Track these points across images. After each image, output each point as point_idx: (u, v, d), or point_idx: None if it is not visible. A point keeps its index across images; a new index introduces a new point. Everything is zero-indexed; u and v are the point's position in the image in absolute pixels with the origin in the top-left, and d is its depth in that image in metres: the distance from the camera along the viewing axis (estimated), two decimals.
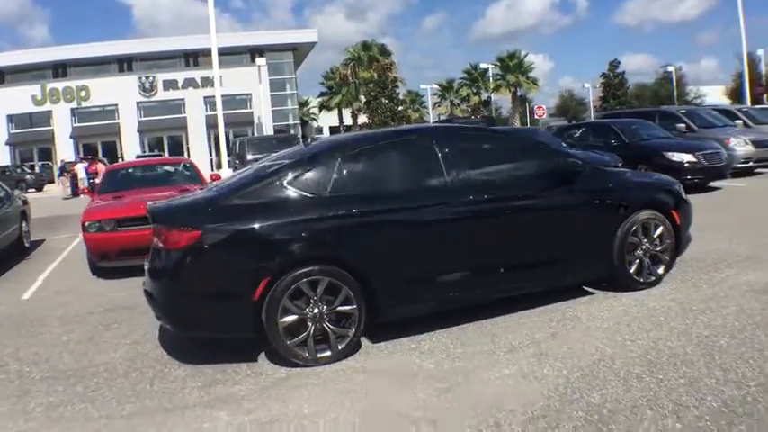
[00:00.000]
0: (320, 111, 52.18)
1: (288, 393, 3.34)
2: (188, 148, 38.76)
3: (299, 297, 3.67)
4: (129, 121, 38.69)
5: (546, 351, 3.72)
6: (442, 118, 39.87)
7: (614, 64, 43.92)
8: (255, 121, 36.36)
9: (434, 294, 4.09)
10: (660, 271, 4.87)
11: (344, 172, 3.97)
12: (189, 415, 3.18)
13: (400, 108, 40.33)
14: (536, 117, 42.68)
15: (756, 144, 11.83)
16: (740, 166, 11.75)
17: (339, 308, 3.74)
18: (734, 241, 6.23)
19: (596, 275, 4.71)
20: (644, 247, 4.75)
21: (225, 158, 20.02)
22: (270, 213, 3.74)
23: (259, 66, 32.00)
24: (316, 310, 3.70)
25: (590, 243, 4.60)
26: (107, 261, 7.00)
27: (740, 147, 10.76)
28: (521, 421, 2.85)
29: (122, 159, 33.97)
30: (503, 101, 53.59)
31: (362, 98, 45.77)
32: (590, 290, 4.82)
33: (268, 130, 36.15)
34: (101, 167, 20.80)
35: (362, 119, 46.22)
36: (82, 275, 7.20)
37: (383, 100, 39.27)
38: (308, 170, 3.97)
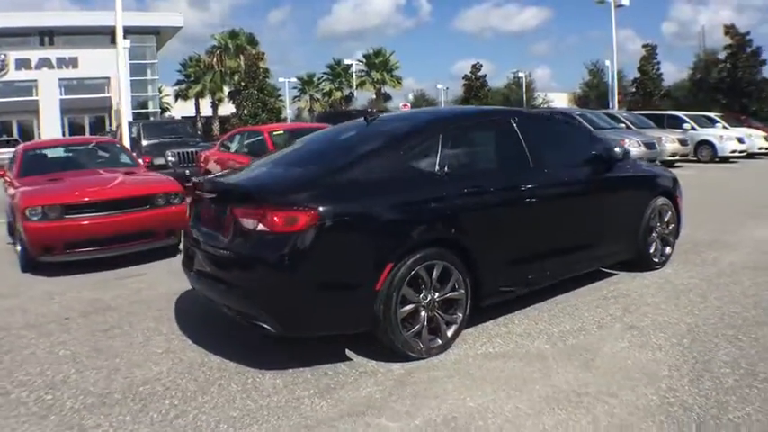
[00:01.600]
0: (176, 100, 48.85)
1: (428, 389, 3.12)
2: (39, 134, 34.19)
3: (414, 284, 3.49)
4: None
5: (633, 324, 3.97)
6: (330, 110, 39.77)
7: (477, 67, 47.04)
8: (114, 106, 33.06)
9: (520, 277, 4.13)
10: (668, 251, 5.44)
11: (449, 149, 3.83)
12: (345, 429, 2.76)
13: (272, 99, 39.18)
14: None
15: (647, 145, 13.57)
16: None
17: (449, 294, 3.62)
18: (690, 229, 7.07)
19: (629, 256, 5.10)
20: (658, 230, 5.27)
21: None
22: (390, 191, 3.48)
23: (122, 48, 29.04)
24: (429, 298, 3.54)
25: (628, 225, 4.99)
26: (50, 255, 5.90)
27: (634, 148, 12.26)
28: (687, 381, 3.08)
29: None
30: (364, 97, 54.88)
31: (226, 88, 43.81)
32: (610, 271, 5.21)
33: (127, 117, 33.11)
34: None
35: (225, 109, 44.33)
36: (13, 274, 6.02)
37: (254, 91, 37.83)
38: (417, 146, 3.77)
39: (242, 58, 41.74)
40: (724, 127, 18.87)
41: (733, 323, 3.91)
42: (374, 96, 53.51)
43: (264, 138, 8.92)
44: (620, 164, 4.99)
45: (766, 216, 8.07)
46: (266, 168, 4.09)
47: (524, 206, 4.08)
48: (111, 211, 6.00)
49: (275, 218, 3.20)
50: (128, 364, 3.58)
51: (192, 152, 11.67)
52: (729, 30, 35.57)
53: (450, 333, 3.63)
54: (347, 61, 51.24)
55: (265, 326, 3.24)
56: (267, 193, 3.42)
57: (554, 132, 4.73)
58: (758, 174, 15.02)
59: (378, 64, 51.88)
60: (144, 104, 38.96)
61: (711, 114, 21.18)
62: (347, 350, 3.63)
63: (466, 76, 47.71)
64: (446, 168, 3.76)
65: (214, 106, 46.62)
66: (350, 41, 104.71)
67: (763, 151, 19.12)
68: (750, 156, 18.45)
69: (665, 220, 5.34)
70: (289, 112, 49.35)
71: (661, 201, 5.26)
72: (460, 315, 3.68)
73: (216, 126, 43.22)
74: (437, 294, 3.57)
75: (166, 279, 5.51)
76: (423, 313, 3.52)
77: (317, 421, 2.82)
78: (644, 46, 39.96)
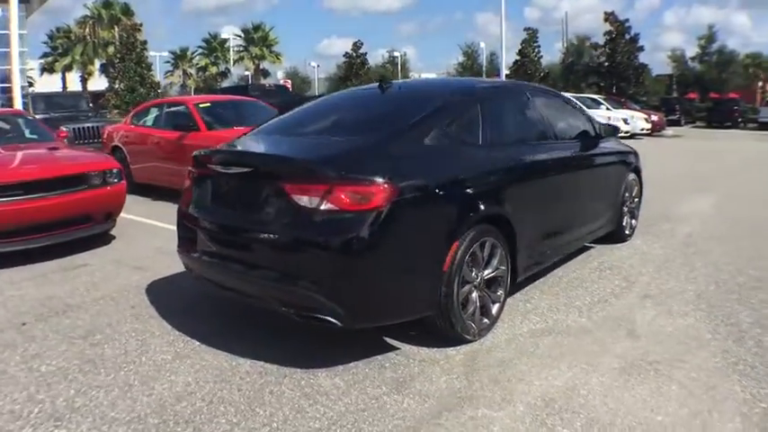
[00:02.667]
0: (41, 74, 43.55)
1: (504, 373, 2.93)
2: None
3: (470, 263, 3.28)
4: None
5: (645, 294, 4.13)
6: (241, 83, 37.65)
7: (357, 45, 46.77)
8: None
9: (543, 252, 4.08)
10: (634, 224, 5.75)
11: (488, 120, 3.64)
12: (453, 426, 2.49)
13: (151, 73, 36.25)
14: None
15: (624, 122, 14.50)
16: None
17: (495, 272, 3.47)
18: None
19: (611, 228, 5.29)
20: (628, 203, 5.54)
21: None
22: (450, 163, 3.25)
23: None
24: (479, 277, 3.36)
25: (613, 199, 5.17)
26: None
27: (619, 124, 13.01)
28: (732, 342, 3.26)
29: None
30: (239, 73, 52.77)
31: (98, 61, 39.76)
32: (586, 245, 5.39)
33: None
34: None
35: (96, 84, 40.29)
36: None
37: (131, 64, 34.72)
38: (461, 116, 3.55)
39: (116, 29, 38.03)
40: (608, 108, 20.56)
41: (731, 289, 4.21)
42: (248, 72, 51.59)
43: (190, 110, 8.08)
44: (603, 140, 5.15)
45: (699, 188, 8.90)
46: (298, 137, 3.62)
47: (551, 178, 4.05)
48: (43, 192, 5.07)
49: (346, 194, 2.78)
50: (139, 377, 2.95)
51: (93, 127, 10.34)
52: (609, 17, 38.13)
53: (495, 312, 3.50)
54: (224, 35, 49.08)
55: (330, 319, 2.83)
56: (334, 166, 2.89)
57: (559, 107, 4.73)
58: (663, 151, 16.35)
59: (257, 39, 50.01)
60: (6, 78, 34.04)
61: (596, 96, 22.98)
62: (385, 337, 3.36)
63: (347, 53, 47.37)
64: (488, 139, 3.60)
65: (83, 80, 42.33)
66: (219, 16, 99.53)
67: (645, 132, 21.09)
68: (632, 136, 20.24)
69: (633, 194, 5.64)
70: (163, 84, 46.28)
71: (631, 176, 5.55)
72: (502, 293, 3.56)
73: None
74: (485, 272, 3.41)
75: (117, 269, 4.85)
76: (474, 294, 3.34)
77: (417, 421, 2.53)
78: (525, 29, 42.10)
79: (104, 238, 5.80)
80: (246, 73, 51.48)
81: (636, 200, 5.74)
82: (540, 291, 4.21)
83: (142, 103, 13.47)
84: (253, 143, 3.76)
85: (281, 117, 4.18)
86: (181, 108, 8.50)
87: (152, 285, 4.39)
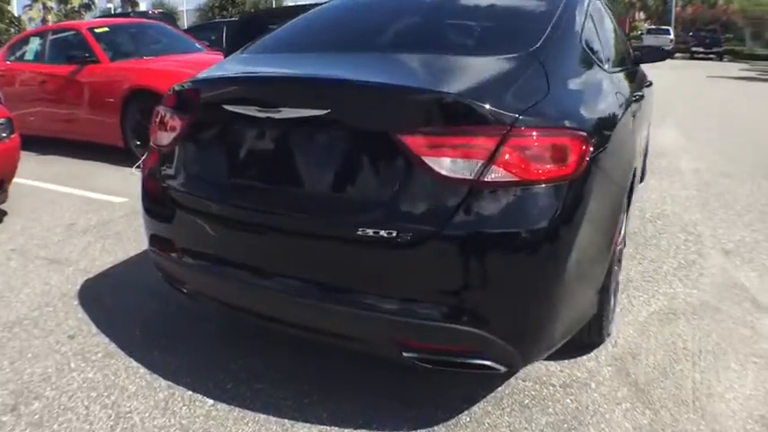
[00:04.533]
0: None
1: (685, 385, 2.18)
2: None
3: None
4: None
5: (726, 249, 3.57)
6: (120, 11, 32.71)
7: None
8: None
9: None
10: (646, 162, 5.16)
11: (598, 36, 2.62)
12: None
13: (9, 7, 30.76)
14: None
15: None
16: None
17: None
18: None
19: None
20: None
21: None
22: (605, 98, 2.21)
23: None
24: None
25: (648, 132, 4.50)
26: None
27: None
28: None
29: None
30: (103, 3, 46.76)
31: None
32: None
33: None
34: None
35: None
36: None
37: None
38: (581, 29, 2.36)
39: None
40: None
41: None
42: (110, 4, 45.76)
43: (84, 37, 6.23)
44: None
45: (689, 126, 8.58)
46: (369, 55, 2.23)
47: (638, 115, 3.15)
48: None
49: (531, 153, 1.65)
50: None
51: None
52: None
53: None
54: None
55: (489, 363, 1.75)
56: (500, 102, 1.68)
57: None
58: None
59: None
60: None
61: None
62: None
63: None
64: (608, 65, 2.60)
65: None
66: None
67: None
68: None
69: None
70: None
71: None
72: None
73: None
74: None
75: (24, 265, 3.40)
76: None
77: None
78: None
79: None
80: (109, 5, 45.70)
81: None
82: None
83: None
84: (289, 66, 2.29)
85: (300, 27, 2.75)
86: (71, 35, 6.60)
87: (87, 290, 3.02)
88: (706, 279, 3.11)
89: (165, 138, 2.25)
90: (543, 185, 1.65)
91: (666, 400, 2.06)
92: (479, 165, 1.62)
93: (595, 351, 2.36)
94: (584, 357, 2.33)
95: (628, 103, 2.57)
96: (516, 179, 1.62)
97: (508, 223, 1.64)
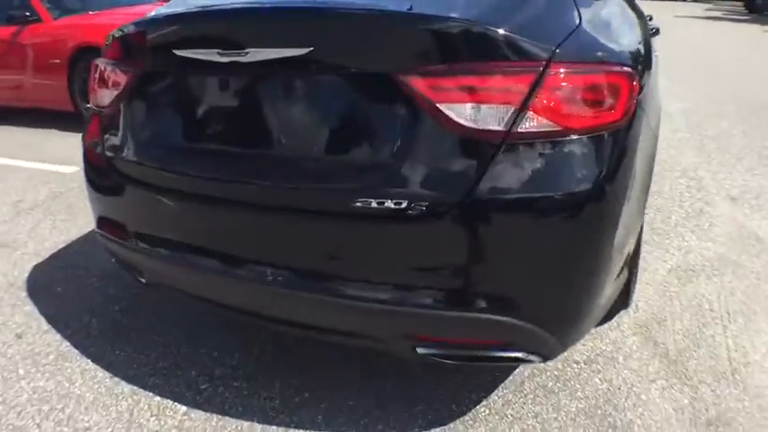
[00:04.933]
0: None
1: (718, 353, 1.97)
2: None
3: None
4: None
5: (732, 195, 3.35)
6: None
7: None
8: None
9: None
10: None
11: None
12: None
13: None
14: None
15: None
16: None
17: None
18: None
19: None
20: None
21: None
22: (638, 41, 1.84)
23: None
24: None
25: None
26: None
27: None
28: None
29: None
30: None
31: None
32: None
33: None
34: None
35: None
36: None
37: None
38: None
39: None
40: None
41: None
42: None
43: None
44: None
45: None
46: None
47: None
48: None
49: (576, 95, 1.30)
50: None
51: None
52: None
53: None
54: None
55: (523, 356, 1.46)
56: (534, 32, 1.33)
57: None
58: None
59: None
60: None
61: None
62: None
63: None
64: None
65: None
66: None
67: None
68: None
69: None
70: None
71: None
72: None
73: None
74: None
75: None
76: None
77: None
78: None
79: None
80: None
81: None
82: None
83: None
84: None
85: None
86: None
87: (36, 278, 2.65)
88: (718, 230, 2.89)
89: (106, 97, 1.86)
90: (589, 135, 1.31)
91: (703, 374, 1.84)
92: (510, 112, 1.28)
93: (616, 318, 2.12)
94: (606, 326, 2.09)
95: (651, 37, 2.26)
96: (557, 128, 1.29)
97: (549, 185, 1.29)
